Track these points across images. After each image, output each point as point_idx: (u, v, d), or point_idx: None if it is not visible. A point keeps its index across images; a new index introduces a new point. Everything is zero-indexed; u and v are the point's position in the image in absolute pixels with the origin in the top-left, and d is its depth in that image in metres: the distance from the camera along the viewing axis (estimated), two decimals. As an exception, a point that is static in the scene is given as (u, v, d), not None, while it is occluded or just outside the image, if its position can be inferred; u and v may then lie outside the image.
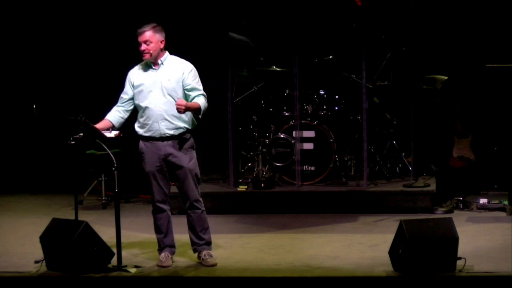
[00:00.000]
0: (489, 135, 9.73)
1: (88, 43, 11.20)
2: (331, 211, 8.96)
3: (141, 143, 7.03)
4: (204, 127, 10.01)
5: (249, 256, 7.25)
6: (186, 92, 6.94)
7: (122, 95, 7.14)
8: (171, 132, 6.91)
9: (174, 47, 10.93)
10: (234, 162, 9.57)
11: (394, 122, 10.07)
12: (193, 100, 6.88)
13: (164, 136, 6.92)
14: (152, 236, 8.18)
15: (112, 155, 7.03)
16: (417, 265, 6.41)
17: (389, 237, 6.78)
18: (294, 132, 9.42)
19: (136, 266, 6.89)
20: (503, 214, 8.70)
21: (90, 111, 8.58)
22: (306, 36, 9.99)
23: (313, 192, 9.18)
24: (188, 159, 6.96)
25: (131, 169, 9.95)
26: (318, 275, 6.64)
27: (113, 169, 7.02)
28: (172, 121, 6.89)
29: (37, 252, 7.08)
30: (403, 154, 9.94)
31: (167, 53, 7.06)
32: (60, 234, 6.84)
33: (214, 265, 6.97)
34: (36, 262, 7.02)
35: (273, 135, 9.59)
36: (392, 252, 6.63)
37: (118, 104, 7.15)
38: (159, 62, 7.00)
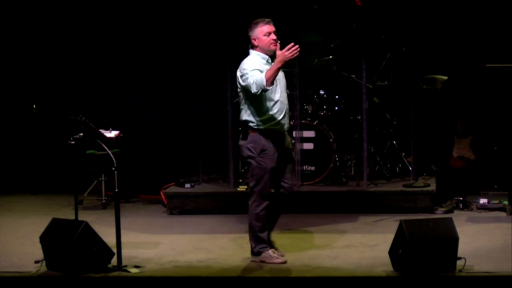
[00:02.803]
0: (489, 135, 9.74)
1: (88, 43, 11.21)
2: (331, 211, 8.96)
3: (262, 139, 6.88)
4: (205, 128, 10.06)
5: (249, 256, 7.25)
6: None
7: (255, 68, 6.82)
8: (287, 126, 7.07)
9: (174, 48, 11.01)
10: (234, 162, 9.57)
11: (394, 122, 10.07)
12: None
13: (285, 130, 7.03)
14: (152, 236, 8.20)
15: (112, 155, 7.04)
16: (417, 265, 6.41)
17: (389, 237, 6.78)
18: (294, 132, 9.42)
19: (136, 266, 6.89)
20: (503, 214, 8.70)
21: (90, 111, 8.61)
22: (306, 36, 9.99)
23: (313, 192, 9.18)
24: (293, 153, 7.18)
25: (131, 169, 9.99)
26: (318, 275, 6.65)
27: (113, 169, 7.02)
28: (288, 116, 7.06)
29: (37, 252, 7.08)
30: (403, 154, 9.94)
31: None
32: (60, 234, 6.84)
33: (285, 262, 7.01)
34: (36, 262, 7.02)
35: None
36: (392, 252, 6.63)
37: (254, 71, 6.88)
38: (274, 58, 6.86)
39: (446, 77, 9.82)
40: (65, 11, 11.14)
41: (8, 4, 11.15)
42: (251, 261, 7.03)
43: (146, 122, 11.19)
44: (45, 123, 10.90)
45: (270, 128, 6.90)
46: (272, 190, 7.05)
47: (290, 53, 6.62)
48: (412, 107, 9.39)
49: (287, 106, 7.01)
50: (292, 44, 6.65)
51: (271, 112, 6.90)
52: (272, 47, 6.87)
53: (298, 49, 6.62)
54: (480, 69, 9.29)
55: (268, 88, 6.68)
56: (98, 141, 7.30)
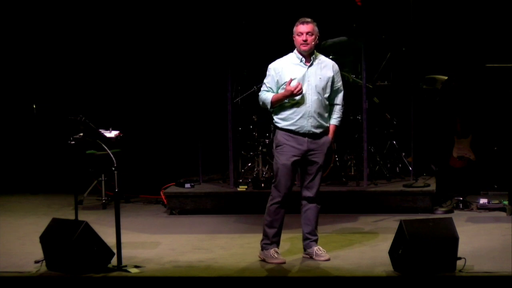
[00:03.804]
0: (489, 135, 9.74)
1: (88, 43, 11.21)
2: (331, 211, 8.96)
3: (280, 135, 7.00)
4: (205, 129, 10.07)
5: (249, 256, 7.25)
6: (332, 93, 7.05)
7: (267, 84, 7.03)
8: (315, 130, 6.95)
9: (174, 47, 11.01)
10: (234, 162, 9.57)
11: (394, 122, 10.07)
12: (333, 113, 7.06)
13: (308, 133, 6.93)
14: (152, 236, 8.20)
15: (112, 155, 7.04)
16: (417, 265, 6.41)
17: (389, 237, 6.78)
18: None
19: (136, 266, 6.89)
20: (503, 214, 8.70)
21: (90, 111, 8.61)
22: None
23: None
24: (323, 156, 7.02)
25: (131, 169, 9.99)
26: (318, 275, 6.65)
27: (113, 169, 7.02)
28: (318, 119, 6.94)
29: (37, 252, 7.08)
30: (403, 154, 9.94)
31: (315, 50, 7.06)
32: (60, 234, 6.83)
33: (328, 259, 6.99)
34: (36, 262, 7.01)
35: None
36: (392, 252, 6.63)
37: (264, 90, 7.06)
38: (311, 58, 6.97)
39: (446, 77, 9.82)
40: (65, 11, 11.14)
41: (8, 4, 11.15)
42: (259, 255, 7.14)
43: (146, 122, 11.19)
44: (45, 123, 10.90)
45: (287, 128, 6.96)
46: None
47: (297, 90, 6.79)
48: (412, 107, 9.39)
49: (313, 109, 6.90)
50: (299, 83, 6.82)
51: (287, 112, 6.96)
52: (302, 47, 6.93)
53: (302, 89, 6.81)
54: (480, 69, 9.29)
55: (272, 110, 6.99)
56: (98, 141, 7.29)
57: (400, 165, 9.97)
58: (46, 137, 10.96)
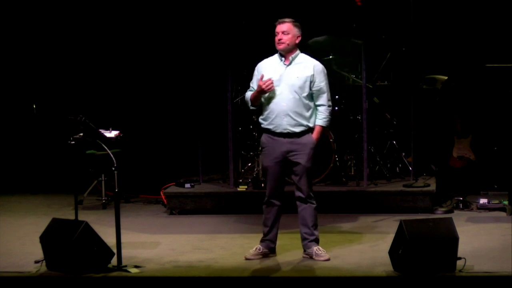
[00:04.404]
0: (489, 135, 9.74)
1: (88, 43, 11.21)
2: (331, 211, 8.96)
3: (263, 137, 7.09)
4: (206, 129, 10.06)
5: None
6: (313, 93, 7.01)
7: (251, 84, 7.15)
8: (292, 128, 6.95)
9: (174, 47, 11.01)
10: (234, 162, 9.57)
11: (394, 122, 10.07)
12: (317, 113, 7.00)
13: (285, 132, 6.96)
14: (152, 236, 8.20)
15: (112, 155, 7.04)
16: (417, 265, 6.41)
17: (389, 237, 6.78)
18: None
19: (136, 266, 6.88)
20: (503, 214, 8.70)
21: (90, 111, 8.61)
22: (306, 36, 9.98)
23: (313, 192, 9.15)
24: (306, 157, 6.99)
25: (131, 169, 9.98)
26: (318, 275, 6.65)
27: (113, 169, 7.02)
28: (294, 117, 6.94)
29: (37, 252, 7.08)
30: (403, 154, 9.94)
31: (298, 51, 7.08)
32: (60, 234, 6.83)
33: (328, 259, 6.99)
34: (36, 262, 7.01)
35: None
36: (392, 252, 6.63)
37: (249, 90, 7.16)
38: (290, 58, 7.01)
39: (446, 77, 9.82)
40: (65, 11, 11.14)
41: (9, 4, 11.15)
42: None
43: (146, 122, 11.19)
44: (45, 123, 10.90)
45: (266, 128, 7.04)
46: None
47: (265, 86, 6.85)
48: (412, 107, 9.39)
49: (288, 108, 6.93)
50: (269, 79, 6.88)
51: (266, 112, 7.04)
52: (277, 46, 7.02)
53: (272, 84, 6.86)
54: (480, 69, 9.29)
55: (253, 108, 7.12)
56: (98, 141, 7.29)
57: (400, 165, 9.97)
58: (46, 137, 10.96)
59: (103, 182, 9.82)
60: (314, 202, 7.14)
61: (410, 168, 9.59)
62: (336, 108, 9.80)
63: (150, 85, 11.21)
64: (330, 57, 9.98)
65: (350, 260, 7.02)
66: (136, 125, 10.97)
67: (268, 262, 7.05)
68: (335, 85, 9.97)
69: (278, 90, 6.96)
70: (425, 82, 9.94)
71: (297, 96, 6.95)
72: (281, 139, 6.98)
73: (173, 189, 9.54)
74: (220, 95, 9.83)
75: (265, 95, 6.97)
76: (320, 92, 7.01)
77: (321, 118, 7.01)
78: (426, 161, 9.89)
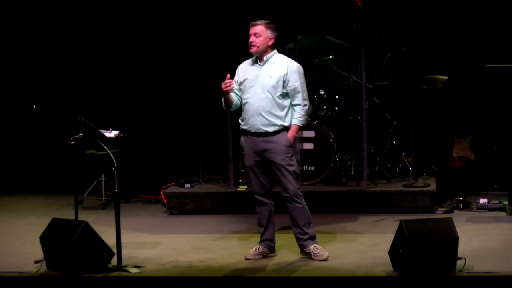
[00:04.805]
0: (489, 135, 9.74)
1: (88, 43, 11.21)
2: (331, 211, 8.96)
3: (242, 138, 7.18)
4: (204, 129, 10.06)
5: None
6: (289, 92, 7.02)
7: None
8: (266, 128, 6.99)
9: (174, 47, 11.01)
10: (234, 162, 9.57)
11: (394, 122, 10.07)
12: (294, 113, 7.01)
13: (259, 131, 7.00)
14: (152, 236, 8.20)
15: (112, 155, 7.04)
16: (417, 265, 6.41)
17: (389, 237, 6.78)
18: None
19: (136, 266, 6.89)
20: (503, 214, 8.70)
21: (90, 111, 8.61)
22: (306, 36, 9.99)
23: (313, 192, 9.18)
24: (281, 155, 6.98)
25: (131, 169, 9.98)
26: (318, 275, 6.64)
27: (113, 169, 7.02)
28: (267, 117, 6.97)
29: (37, 252, 7.08)
30: (403, 154, 9.94)
31: (275, 51, 7.10)
32: (60, 234, 6.83)
33: (326, 259, 6.98)
34: (36, 262, 7.02)
35: None
36: (392, 252, 6.63)
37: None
38: (265, 58, 7.06)
39: (446, 77, 9.82)
40: (65, 11, 11.14)
41: (9, 4, 11.15)
42: None
43: (146, 122, 11.19)
44: (45, 123, 10.91)
45: (244, 129, 7.13)
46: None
47: (225, 86, 6.98)
48: (412, 107, 9.39)
49: (261, 107, 6.96)
50: (228, 76, 6.99)
51: (243, 113, 7.14)
52: (250, 49, 7.09)
53: (230, 85, 6.97)
54: (480, 69, 9.29)
55: (227, 110, 7.26)
56: (98, 141, 7.30)
57: (400, 165, 9.97)
58: (46, 137, 10.96)
59: (103, 182, 9.82)
60: (301, 201, 7.07)
61: (410, 168, 9.58)
62: (336, 108, 9.82)
63: (150, 85, 11.21)
64: (330, 57, 9.98)
65: (350, 260, 7.02)
66: (136, 125, 10.97)
67: (268, 262, 7.05)
68: (335, 85, 9.99)
69: (253, 91, 7.03)
70: (425, 82, 9.93)
71: (270, 96, 6.98)
72: (256, 138, 7.03)
73: (173, 189, 9.54)
74: (220, 95, 9.81)
75: (244, 96, 7.07)
76: (294, 91, 7.01)
77: (296, 117, 7.02)
78: (426, 161, 9.89)
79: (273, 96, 6.97)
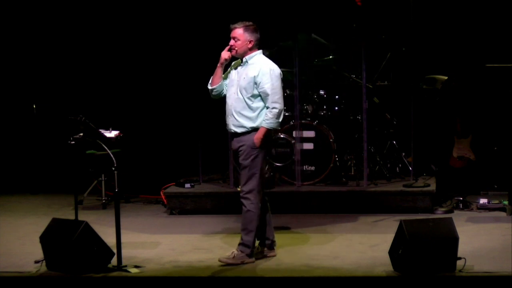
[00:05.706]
0: (489, 135, 9.73)
1: (88, 43, 11.21)
2: (331, 211, 8.96)
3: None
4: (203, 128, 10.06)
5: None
6: (261, 95, 7.03)
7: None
8: (235, 129, 7.04)
9: (174, 47, 11.01)
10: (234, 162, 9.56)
11: (394, 122, 10.07)
12: (265, 116, 6.99)
13: (231, 131, 7.10)
14: (152, 236, 8.20)
15: (112, 155, 7.04)
16: (417, 265, 6.41)
17: (389, 237, 6.78)
18: (294, 132, 9.42)
19: (136, 266, 6.89)
20: (503, 214, 8.70)
21: (90, 111, 8.61)
22: (306, 36, 9.99)
23: (313, 192, 9.18)
24: (243, 155, 7.00)
25: (131, 169, 9.98)
26: (318, 275, 6.64)
27: (113, 169, 7.02)
28: (237, 118, 7.02)
29: (37, 252, 7.08)
30: (403, 154, 9.94)
31: (257, 53, 7.11)
32: (60, 234, 6.83)
33: (227, 264, 6.93)
34: (36, 262, 7.02)
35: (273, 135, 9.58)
36: (392, 252, 6.63)
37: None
38: (244, 60, 7.10)
39: (446, 77, 9.82)
40: (65, 11, 11.14)
41: (9, 4, 11.15)
42: None
43: (146, 122, 11.19)
44: (45, 123, 10.90)
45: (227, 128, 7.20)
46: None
47: (227, 49, 7.10)
48: (412, 107, 9.39)
49: (233, 108, 7.01)
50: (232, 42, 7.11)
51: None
52: (231, 52, 7.13)
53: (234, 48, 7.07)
54: (480, 69, 9.29)
55: (209, 87, 7.23)
56: (98, 141, 7.30)
57: (400, 165, 9.96)
58: (46, 137, 10.96)
59: (103, 182, 9.82)
60: (246, 205, 6.97)
61: (410, 168, 9.58)
62: (336, 108, 9.82)
63: (150, 86, 11.21)
64: (330, 57, 9.98)
65: (350, 260, 7.02)
66: (136, 125, 10.97)
67: (268, 262, 7.05)
68: (335, 85, 9.99)
69: (231, 90, 7.12)
70: (425, 82, 9.93)
71: (241, 97, 7.02)
72: (233, 138, 7.11)
73: (173, 189, 9.54)
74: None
75: (226, 95, 7.16)
76: (265, 94, 7.00)
77: (264, 119, 6.99)
78: (426, 161, 9.89)
79: (243, 97, 7.00)
